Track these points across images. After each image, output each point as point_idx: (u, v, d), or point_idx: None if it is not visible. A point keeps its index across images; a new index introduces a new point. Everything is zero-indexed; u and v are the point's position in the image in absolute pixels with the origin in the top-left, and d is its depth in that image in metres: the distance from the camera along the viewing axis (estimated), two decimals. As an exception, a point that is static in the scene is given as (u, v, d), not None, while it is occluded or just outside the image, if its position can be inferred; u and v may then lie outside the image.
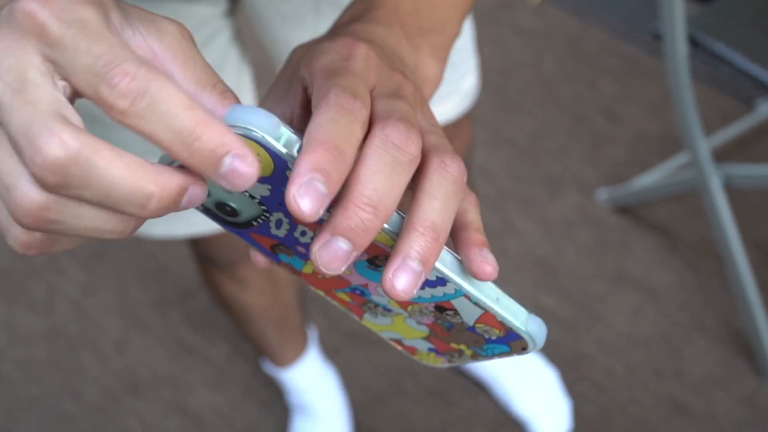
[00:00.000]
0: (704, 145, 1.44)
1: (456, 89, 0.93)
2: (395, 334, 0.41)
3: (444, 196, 0.33)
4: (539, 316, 1.59)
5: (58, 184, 0.28)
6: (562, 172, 1.79)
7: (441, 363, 0.42)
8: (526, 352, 0.37)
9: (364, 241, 0.31)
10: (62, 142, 0.28)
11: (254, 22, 0.86)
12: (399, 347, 0.42)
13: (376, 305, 0.40)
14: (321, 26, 0.79)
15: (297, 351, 1.36)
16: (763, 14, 1.36)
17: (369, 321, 0.41)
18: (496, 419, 1.48)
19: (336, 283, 0.40)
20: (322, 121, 0.31)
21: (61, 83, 0.30)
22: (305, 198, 0.29)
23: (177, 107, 0.29)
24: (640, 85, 1.92)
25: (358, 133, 0.32)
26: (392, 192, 0.31)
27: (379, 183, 0.31)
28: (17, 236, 0.31)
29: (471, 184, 1.22)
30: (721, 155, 1.75)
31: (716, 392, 1.47)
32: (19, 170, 0.29)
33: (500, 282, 1.64)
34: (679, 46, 1.32)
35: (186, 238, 0.94)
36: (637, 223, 1.69)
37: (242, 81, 0.87)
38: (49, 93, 0.29)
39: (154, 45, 0.32)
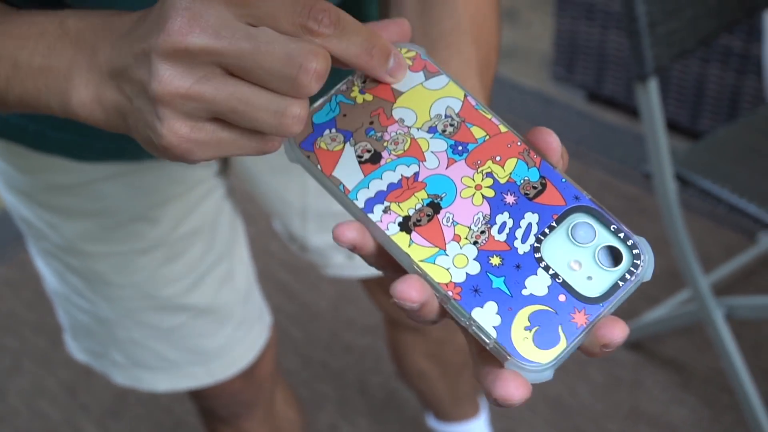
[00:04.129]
0: (704, 281, 1.45)
1: None
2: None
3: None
4: (555, 458, 1.57)
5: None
6: (570, 311, 1.80)
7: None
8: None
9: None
10: (323, 54, 0.39)
11: (244, 176, 0.93)
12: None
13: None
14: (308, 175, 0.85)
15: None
16: (748, 151, 1.41)
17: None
18: None
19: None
20: None
21: None
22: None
23: (358, 27, 0.41)
24: (642, 222, 1.96)
25: None
26: None
27: None
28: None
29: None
30: (726, 287, 1.76)
31: None
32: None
33: (516, 423, 1.63)
34: (668, 185, 1.36)
35: (188, 390, 0.97)
36: (649, 359, 1.69)
37: (237, 229, 0.93)
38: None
39: None
